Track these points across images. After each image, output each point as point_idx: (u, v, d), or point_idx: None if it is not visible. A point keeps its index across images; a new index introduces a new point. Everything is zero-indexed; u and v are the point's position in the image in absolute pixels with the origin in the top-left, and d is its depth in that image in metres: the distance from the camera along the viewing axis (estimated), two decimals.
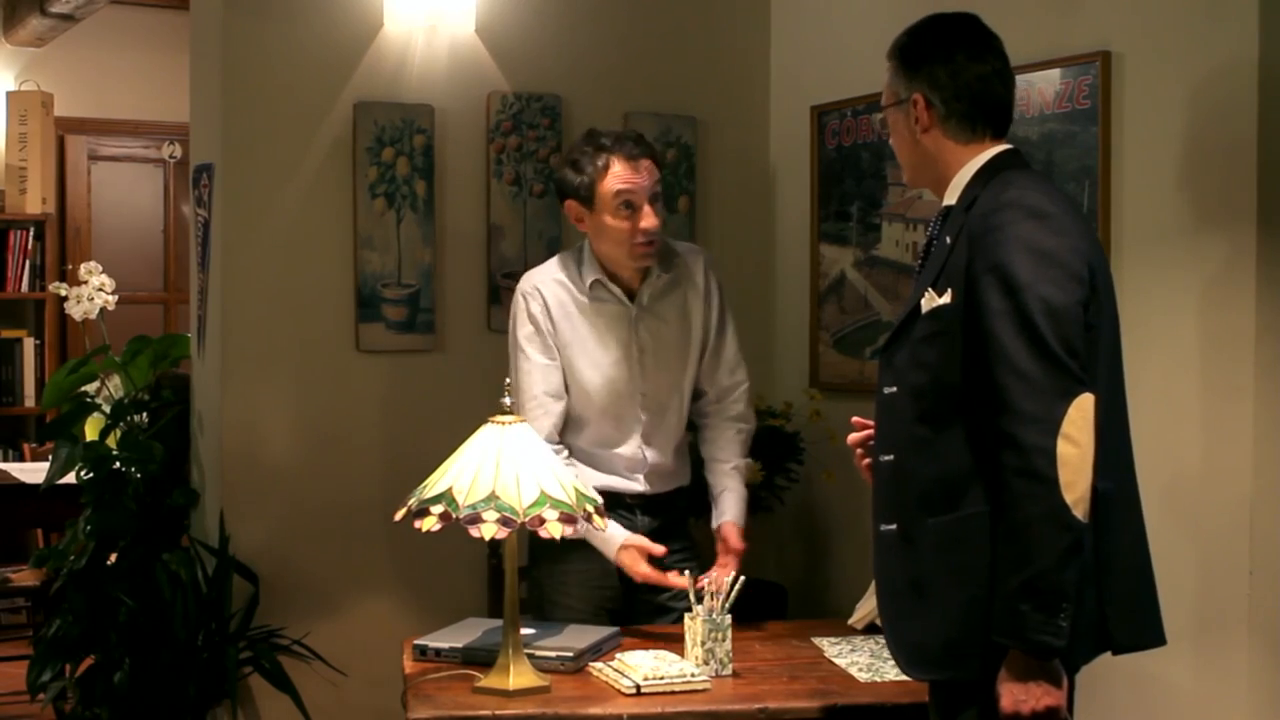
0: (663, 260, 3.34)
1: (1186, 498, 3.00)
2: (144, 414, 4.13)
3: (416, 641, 3.05)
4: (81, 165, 7.04)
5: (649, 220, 3.22)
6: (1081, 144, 3.22)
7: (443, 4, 3.82)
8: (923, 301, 2.38)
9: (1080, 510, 2.17)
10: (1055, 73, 3.28)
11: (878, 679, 2.88)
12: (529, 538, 3.22)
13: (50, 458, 4.14)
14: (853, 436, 2.60)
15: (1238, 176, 2.92)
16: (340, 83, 3.84)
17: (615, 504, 3.28)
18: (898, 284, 3.83)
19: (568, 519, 2.78)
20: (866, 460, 2.58)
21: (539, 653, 2.90)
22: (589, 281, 3.30)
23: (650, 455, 3.36)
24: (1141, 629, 2.40)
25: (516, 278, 3.45)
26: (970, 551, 2.28)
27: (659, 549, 3.23)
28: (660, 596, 3.39)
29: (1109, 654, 2.39)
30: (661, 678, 2.79)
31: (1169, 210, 3.06)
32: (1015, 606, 2.19)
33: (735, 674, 2.92)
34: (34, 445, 6.38)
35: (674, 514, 3.43)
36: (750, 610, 3.34)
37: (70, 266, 5.34)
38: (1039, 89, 3.30)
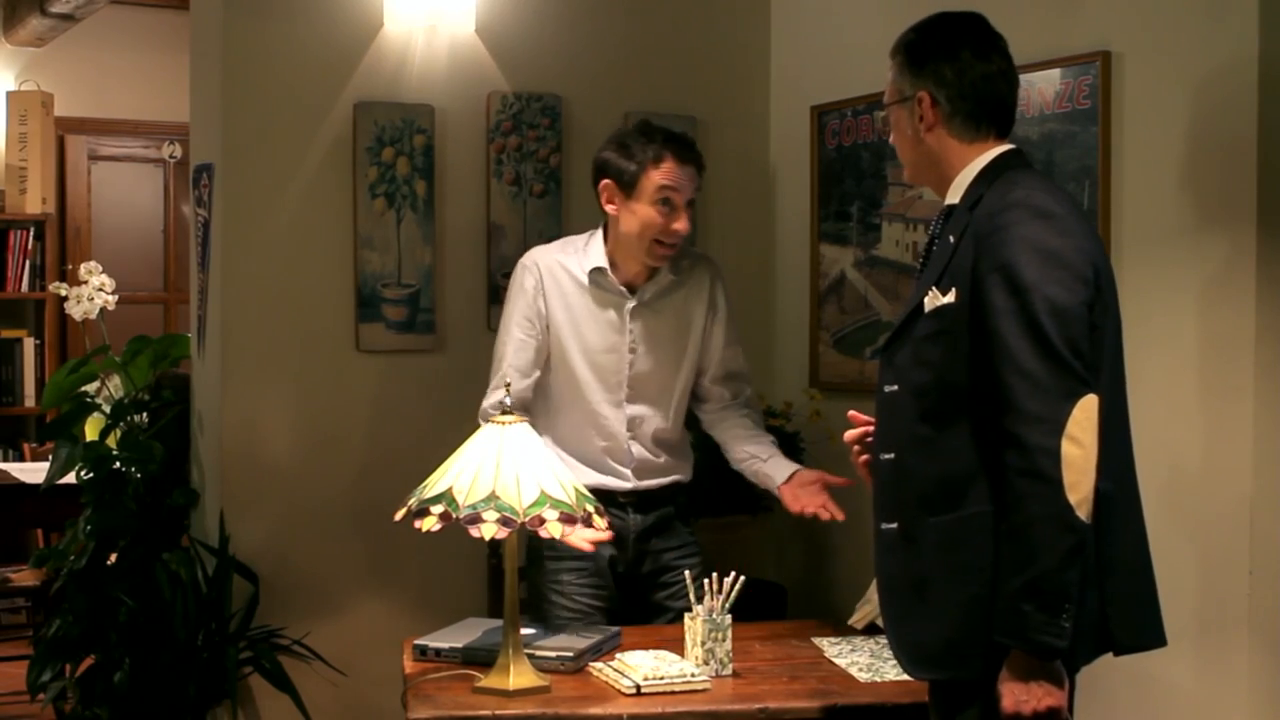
0: (673, 262, 3.35)
1: (1186, 498, 3.00)
2: (144, 414, 4.13)
3: (416, 641, 3.05)
4: (81, 165, 7.04)
5: (682, 223, 3.25)
6: (1081, 144, 3.22)
7: (443, 4, 3.82)
8: (926, 300, 2.38)
9: (1084, 511, 2.18)
10: (1055, 73, 3.28)
11: (878, 679, 2.88)
12: (526, 538, 3.22)
13: (50, 458, 4.14)
14: (850, 434, 2.60)
15: (1238, 176, 2.92)
16: (340, 83, 3.84)
17: (607, 502, 3.26)
18: (898, 284, 3.83)
19: (568, 519, 2.78)
20: (864, 458, 2.58)
21: (539, 653, 2.90)
22: (590, 267, 3.30)
23: (636, 449, 3.36)
24: (1142, 630, 2.40)
25: None
26: (972, 551, 2.28)
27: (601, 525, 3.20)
28: (658, 596, 3.40)
29: (1109, 654, 2.39)
30: (661, 678, 2.79)
31: (1169, 210, 3.06)
32: (1018, 606, 2.19)
33: (735, 674, 2.92)
34: (34, 445, 6.38)
35: (669, 510, 3.43)
36: (750, 610, 3.34)
37: (70, 266, 5.35)
38: (1039, 89, 3.30)
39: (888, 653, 2.96)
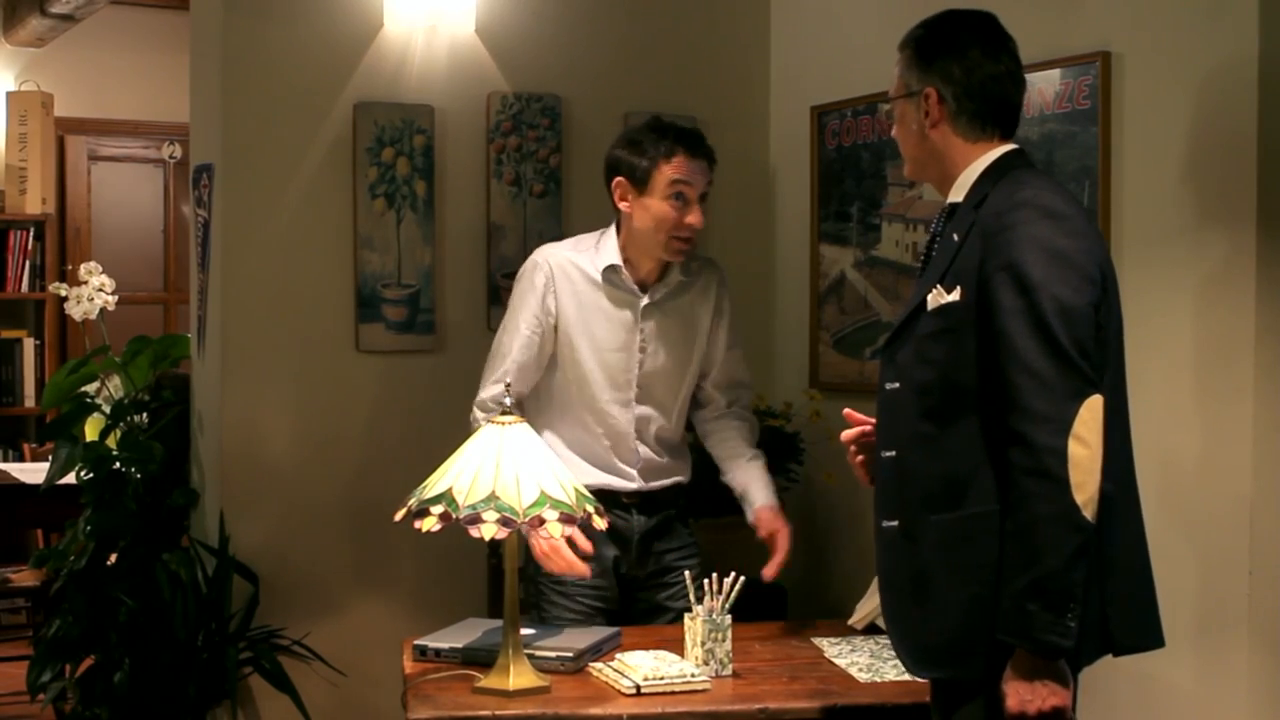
0: (684, 263, 3.36)
1: (1186, 498, 3.00)
2: (144, 414, 4.13)
3: (416, 641, 3.05)
4: (81, 165, 7.04)
5: (695, 217, 3.25)
6: (1081, 144, 3.22)
7: (443, 4, 3.82)
8: (929, 298, 2.37)
9: (1090, 511, 2.18)
10: (1055, 73, 3.28)
11: (878, 679, 2.88)
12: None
13: (50, 458, 4.14)
14: (846, 434, 2.59)
15: (1237, 176, 2.92)
16: (340, 83, 3.84)
17: (611, 503, 3.28)
18: (898, 284, 3.83)
19: (568, 519, 2.78)
20: (860, 457, 2.58)
21: (539, 653, 2.90)
22: (604, 265, 3.31)
23: (643, 450, 3.36)
24: (1141, 630, 2.40)
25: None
26: (975, 549, 2.28)
27: (584, 544, 3.19)
28: (658, 596, 3.40)
29: (1109, 654, 2.39)
30: (661, 678, 2.79)
31: (1169, 210, 3.06)
32: (1023, 606, 2.18)
33: (735, 674, 2.92)
34: (34, 445, 6.39)
35: (671, 511, 3.43)
36: (750, 610, 3.34)
37: (70, 266, 5.35)
38: (1039, 89, 3.30)
39: (888, 653, 2.96)
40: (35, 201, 6.67)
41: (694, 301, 3.40)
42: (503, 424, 2.86)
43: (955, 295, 2.33)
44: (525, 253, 3.89)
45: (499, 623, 2.95)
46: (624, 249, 3.32)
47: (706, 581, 2.99)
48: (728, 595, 2.98)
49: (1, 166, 6.72)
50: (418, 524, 2.79)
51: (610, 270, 3.31)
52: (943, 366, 2.34)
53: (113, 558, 3.97)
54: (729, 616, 2.95)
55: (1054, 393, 2.19)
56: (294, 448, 3.83)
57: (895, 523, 2.40)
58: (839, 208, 4.05)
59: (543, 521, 2.75)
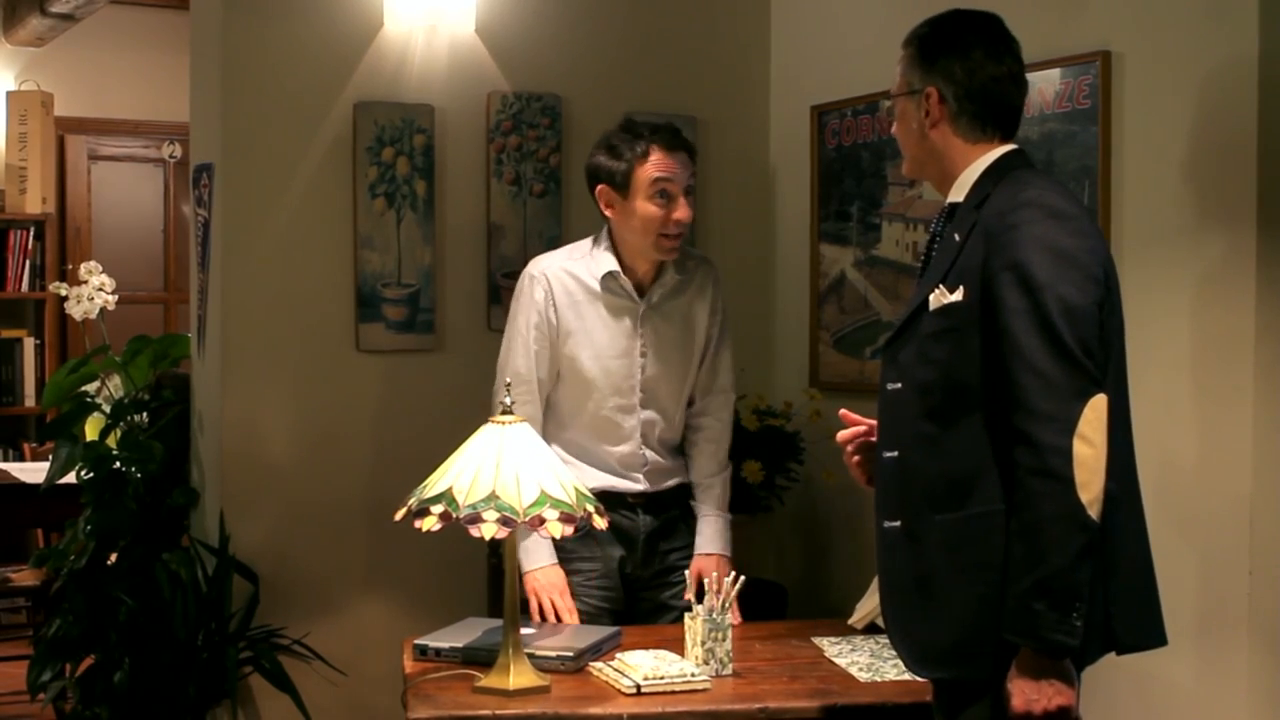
0: (677, 263, 3.35)
1: (1186, 498, 3.00)
2: (144, 414, 4.13)
3: (416, 641, 3.05)
4: (81, 165, 7.04)
5: (682, 211, 3.24)
6: (1081, 144, 3.22)
7: (443, 4, 3.82)
8: (931, 298, 2.37)
9: (1095, 510, 2.18)
10: (1055, 73, 3.28)
11: (878, 679, 2.88)
12: None
13: (50, 458, 4.14)
14: (842, 434, 2.59)
15: (1237, 176, 2.92)
16: (340, 83, 3.84)
17: (617, 504, 3.28)
18: (898, 284, 3.83)
19: (568, 519, 2.78)
20: (856, 458, 2.58)
21: (539, 653, 2.90)
22: (602, 273, 3.30)
23: (649, 454, 3.36)
24: (1144, 629, 2.40)
25: (517, 277, 3.45)
26: (980, 549, 2.28)
27: (567, 609, 3.23)
28: (663, 595, 3.40)
29: (1110, 653, 2.39)
30: (661, 678, 2.79)
31: (1169, 210, 3.06)
32: (1029, 605, 2.18)
33: (735, 674, 2.92)
34: (34, 445, 6.38)
35: (676, 511, 3.43)
36: (750, 610, 3.34)
37: (70, 266, 5.34)
38: (1039, 89, 3.30)
39: (888, 652, 2.96)
40: (35, 201, 6.67)
41: (691, 300, 3.40)
42: (503, 424, 2.86)
43: (958, 295, 2.33)
44: (525, 252, 3.91)
45: (499, 622, 2.95)
46: (618, 254, 3.32)
47: (706, 581, 2.99)
48: (728, 595, 2.98)
49: (1, 166, 6.72)
50: (418, 523, 2.79)
51: (608, 277, 3.31)
52: (945, 366, 2.34)
53: (113, 557, 3.97)
54: (729, 616, 2.95)
55: (1059, 392, 2.19)
56: (294, 447, 3.83)
57: (898, 523, 2.40)
58: (839, 207, 4.05)
59: (543, 521, 2.75)
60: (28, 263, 6.71)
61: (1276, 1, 2.87)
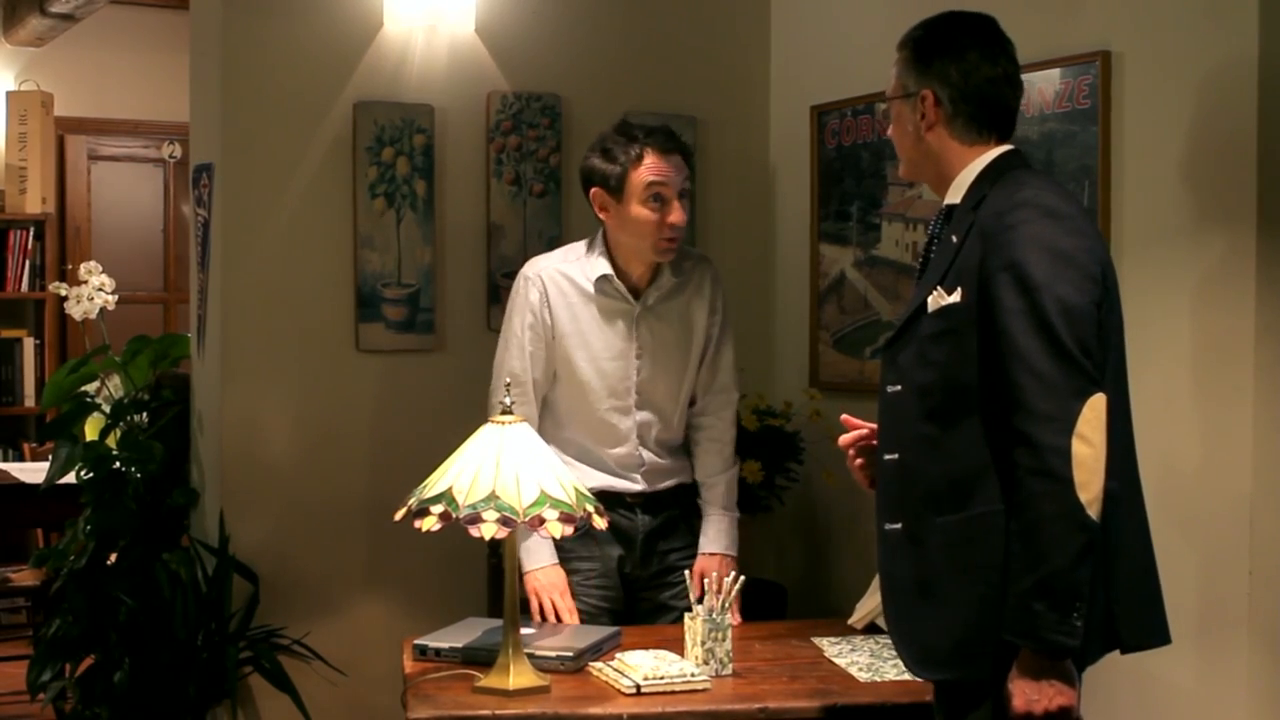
0: (674, 264, 3.35)
1: (1186, 498, 3.00)
2: (144, 414, 4.13)
3: (416, 641, 3.05)
4: (81, 165, 7.04)
5: (677, 215, 3.23)
6: (1081, 144, 3.22)
7: (443, 4, 3.82)
8: (930, 300, 2.37)
9: (1094, 510, 2.17)
10: (1055, 73, 3.28)
11: (878, 679, 2.88)
12: None
13: (50, 458, 4.14)
14: (844, 438, 2.59)
15: (1237, 176, 2.92)
16: (340, 82, 3.84)
17: (615, 504, 3.28)
18: (898, 284, 3.83)
19: (568, 519, 2.78)
20: (859, 461, 2.58)
21: (539, 653, 2.90)
22: (596, 275, 3.30)
23: (646, 455, 3.36)
24: (1147, 628, 2.40)
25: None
26: (981, 550, 2.28)
27: (568, 609, 3.23)
28: (663, 595, 3.40)
29: (1111, 653, 2.39)
30: (661, 678, 2.79)
31: (1169, 210, 3.06)
32: (1029, 606, 2.18)
33: (735, 674, 2.92)
34: (34, 445, 6.38)
35: (676, 511, 3.43)
36: (750, 610, 3.34)
37: (70, 266, 5.35)
38: (1039, 89, 3.30)
39: (888, 652, 2.96)
40: (35, 201, 6.67)
41: (689, 301, 3.40)
42: (503, 424, 2.86)
43: (956, 296, 2.33)
44: (525, 252, 3.91)
45: (499, 622, 2.95)
46: (613, 256, 3.31)
47: (706, 581, 2.99)
48: (727, 595, 2.98)
49: (1, 166, 6.72)
50: (418, 523, 2.79)
51: (602, 280, 3.30)
52: (945, 368, 2.34)
53: (113, 557, 3.97)
54: (729, 616, 2.95)
55: (1057, 392, 2.19)
56: (294, 447, 3.83)
57: (899, 525, 2.39)
58: (839, 207, 4.05)
59: (543, 521, 2.75)
60: (27, 263, 6.71)
61: (1276, 1, 2.87)
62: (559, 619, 3.22)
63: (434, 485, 2.82)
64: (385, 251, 3.88)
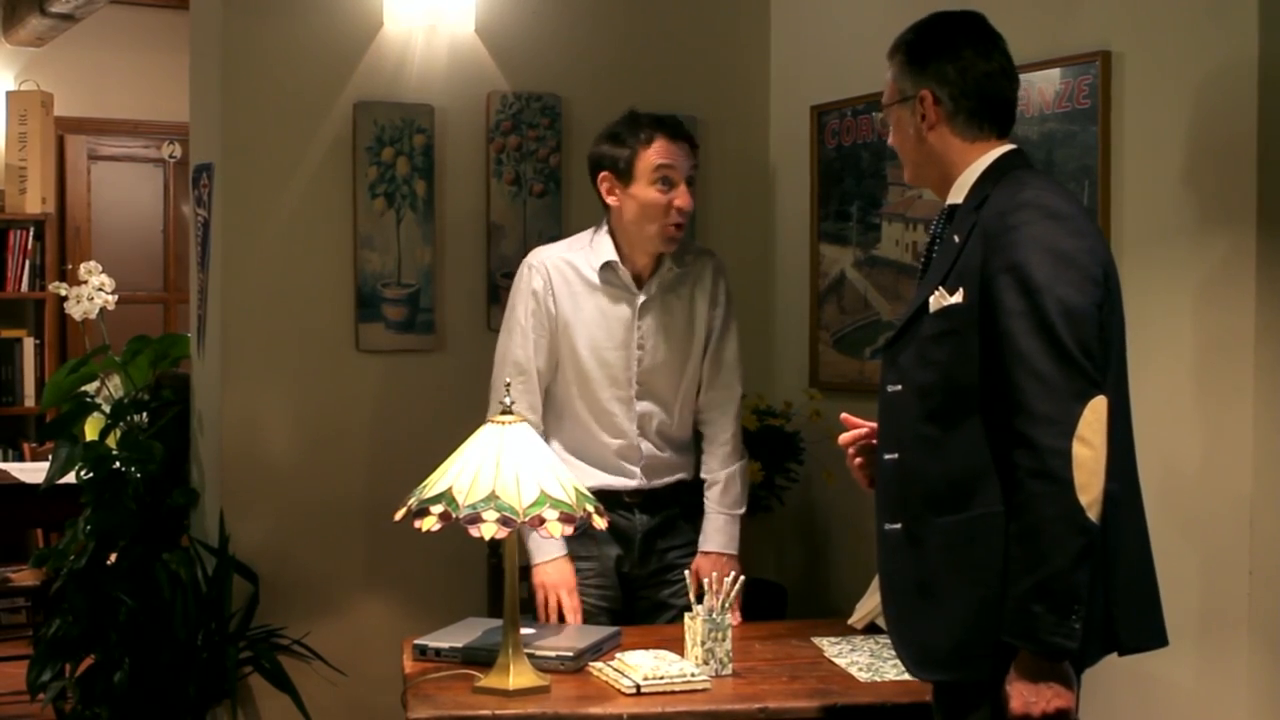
0: (676, 255, 3.35)
1: (1186, 498, 3.00)
2: (144, 414, 4.13)
3: (416, 641, 3.05)
4: (81, 165, 7.04)
5: (683, 199, 3.25)
6: (1081, 144, 3.22)
7: (443, 4, 3.82)
8: (931, 300, 2.37)
9: (1094, 512, 2.17)
10: (1055, 72, 3.28)
11: (878, 679, 2.88)
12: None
13: (50, 458, 4.14)
14: (844, 437, 2.59)
15: (1237, 176, 2.92)
16: (340, 83, 3.84)
17: (613, 503, 3.27)
18: (898, 284, 3.83)
19: (567, 519, 2.78)
20: (859, 460, 2.58)
21: (539, 653, 2.90)
22: (600, 263, 3.30)
23: (646, 447, 3.36)
24: (1146, 630, 2.40)
25: None
26: (981, 551, 2.28)
27: (572, 606, 3.23)
28: (662, 593, 3.40)
29: (1110, 654, 2.39)
30: (661, 677, 2.79)
31: (1169, 210, 3.06)
32: (1028, 607, 2.18)
33: (735, 674, 2.92)
34: (34, 445, 6.38)
35: (675, 509, 3.43)
36: (750, 610, 3.34)
37: (70, 266, 5.35)
38: (1039, 89, 3.30)
39: (888, 652, 2.96)
40: (35, 201, 6.67)
41: (692, 294, 3.40)
42: (503, 424, 2.86)
43: (958, 297, 2.33)
44: (525, 252, 3.90)
45: (499, 622, 2.95)
46: (617, 245, 3.32)
47: (706, 581, 2.99)
48: (727, 595, 2.98)
49: (1, 166, 6.71)
50: (417, 523, 2.79)
51: (606, 268, 3.31)
52: (945, 368, 2.34)
53: (113, 557, 3.97)
54: (729, 616, 2.95)
55: (1058, 394, 2.19)
56: (294, 447, 3.83)
57: (898, 525, 2.39)
58: (839, 207, 4.05)
59: (543, 521, 2.75)
60: (27, 263, 6.71)
61: (1276, 1, 2.87)
62: (562, 619, 3.21)
63: (434, 485, 2.82)
64: (385, 251, 3.88)
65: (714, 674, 2.89)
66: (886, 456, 2.43)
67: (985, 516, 2.28)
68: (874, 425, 2.54)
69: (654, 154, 3.24)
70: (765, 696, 2.78)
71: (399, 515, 2.85)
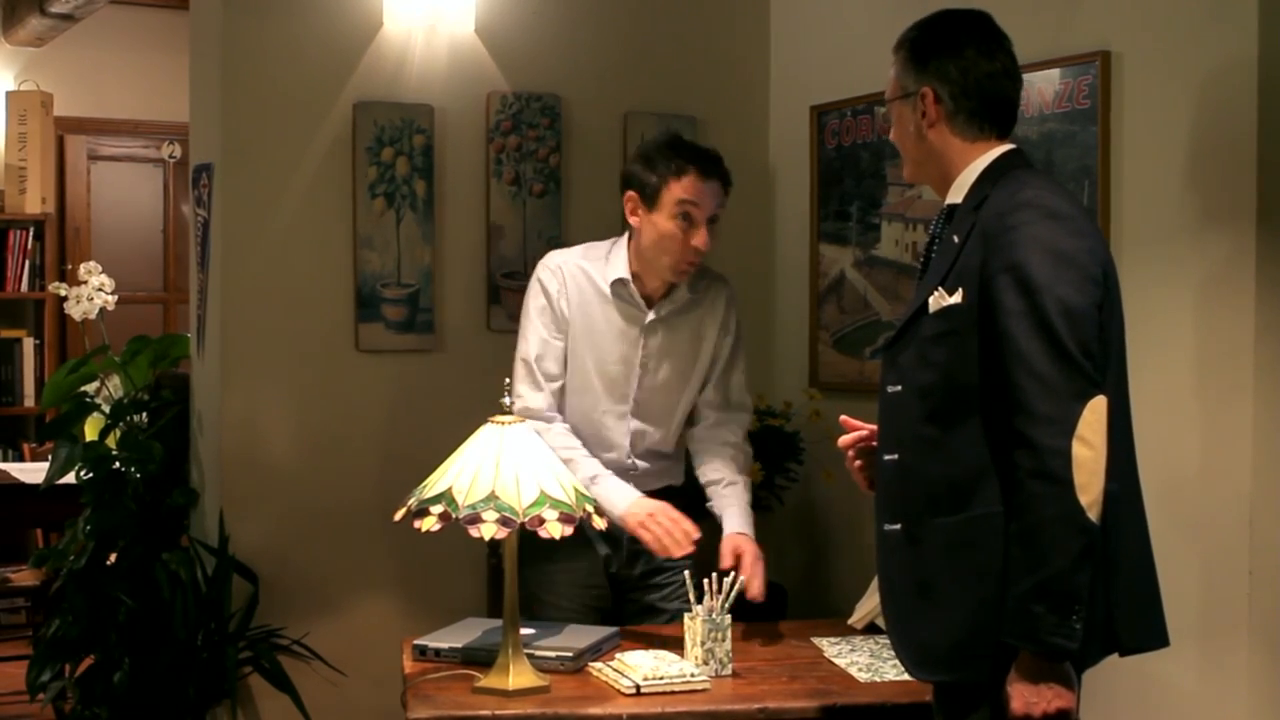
0: (691, 280, 3.34)
1: (1186, 498, 3.00)
2: (144, 414, 4.13)
3: (416, 641, 3.05)
4: (81, 165, 7.04)
5: (700, 239, 3.22)
6: (1081, 144, 3.22)
7: (442, 4, 3.82)
8: (931, 300, 2.37)
9: (1094, 513, 2.17)
10: (1055, 72, 3.28)
11: (878, 679, 2.88)
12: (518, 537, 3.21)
13: (50, 458, 4.13)
14: (844, 439, 2.59)
15: (1237, 176, 2.92)
16: (340, 83, 3.84)
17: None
18: (897, 284, 3.83)
19: (567, 519, 2.78)
20: (858, 462, 2.58)
21: (539, 653, 2.90)
22: (613, 278, 3.30)
23: (637, 462, 3.35)
24: (1147, 630, 2.39)
25: (516, 277, 3.46)
26: (981, 552, 2.27)
27: (685, 530, 3.17)
28: (650, 597, 3.39)
29: (1111, 654, 2.39)
30: (661, 678, 2.79)
31: (1169, 210, 3.06)
32: (1028, 608, 2.18)
33: (735, 674, 2.92)
34: (34, 445, 6.38)
35: None
36: (750, 610, 3.34)
37: (70, 266, 5.35)
38: (1039, 89, 3.30)
39: (888, 653, 2.96)
40: (35, 201, 6.67)
41: (702, 319, 3.38)
42: (503, 424, 2.85)
43: (957, 297, 2.33)
44: (525, 252, 3.91)
45: (499, 622, 2.95)
46: (633, 262, 3.31)
47: (706, 581, 2.99)
48: (727, 595, 2.98)
49: (1, 166, 6.71)
50: (417, 524, 2.79)
51: (618, 283, 3.30)
52: (945, 369, 2.34)
53: (112, 557, 3.97)
54: (729, 616, 2.95)
55: (1057, 394, 2.18)
56: (294, 447, 3.83)
57: (898, 526, 2.39)
58: (839, 207, 4.05)
59: (542, 521, 2.75)
60: (27, 263, 6.71)
61: (1276, 1, 2.87)
62: (679, 542, 3.13)
63: (434, 485, 2.82)
64: (385, 251, 3.88)
65: (714, 674, 2.89)
66: (886, 457, 2.43)
67: (985, 517, 2.28)
68: (873, 427, 2.53)
69: (681, 188, 3.20)
70: (765, 697, 2.78)
71: (399, 515, 2.85)
